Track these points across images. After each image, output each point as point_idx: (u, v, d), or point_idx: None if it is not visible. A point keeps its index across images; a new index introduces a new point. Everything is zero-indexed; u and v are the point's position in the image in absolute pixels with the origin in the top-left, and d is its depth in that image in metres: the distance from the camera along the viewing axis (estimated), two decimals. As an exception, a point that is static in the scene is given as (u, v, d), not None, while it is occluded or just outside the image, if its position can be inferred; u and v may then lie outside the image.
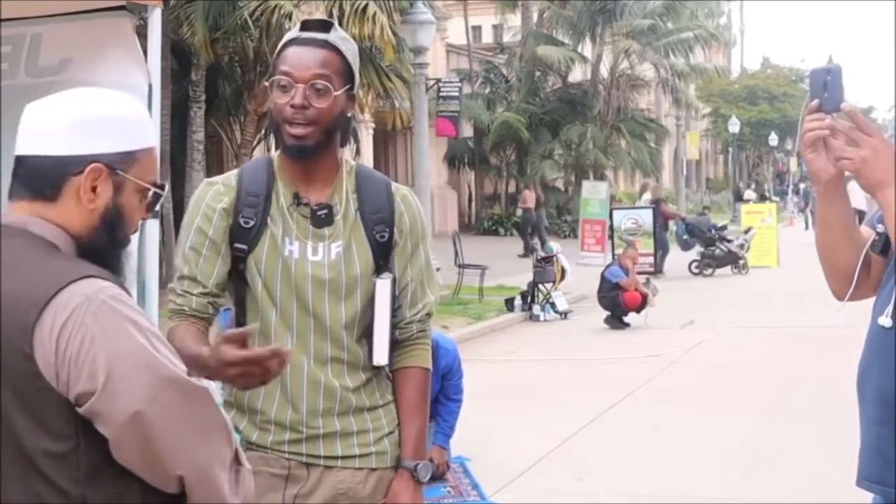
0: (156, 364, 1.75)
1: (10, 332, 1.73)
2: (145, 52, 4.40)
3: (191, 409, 1.78)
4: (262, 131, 18.23)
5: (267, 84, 2.62)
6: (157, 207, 1.99)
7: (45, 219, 1.84)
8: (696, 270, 21.02)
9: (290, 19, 15.45)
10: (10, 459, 1.75)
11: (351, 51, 2.60)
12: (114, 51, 4.33)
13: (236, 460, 1.88)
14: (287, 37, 2.61)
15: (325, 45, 2.55)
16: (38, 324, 1.72)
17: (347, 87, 2.58)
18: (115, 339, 1.73)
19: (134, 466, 1.76)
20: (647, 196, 27.75)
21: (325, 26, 2.59)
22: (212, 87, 17.24)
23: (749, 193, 28.28)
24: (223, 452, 1.83)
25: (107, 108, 1.88)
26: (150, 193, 1.92)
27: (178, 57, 17.00)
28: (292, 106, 2.52)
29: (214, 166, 19.56)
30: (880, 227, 2.47)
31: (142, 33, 4.45)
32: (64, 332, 1.71)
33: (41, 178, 1.85)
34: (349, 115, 2.63)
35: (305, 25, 2.59)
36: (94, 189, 1.85)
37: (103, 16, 4.45)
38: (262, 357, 2.15)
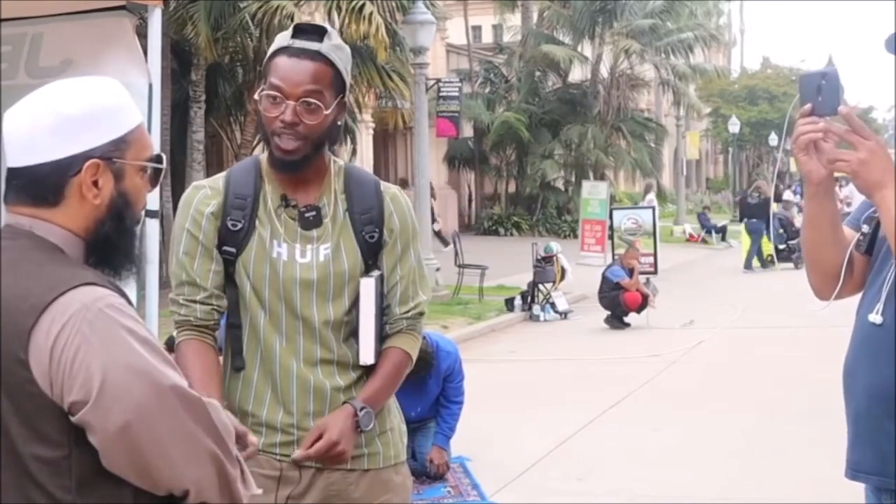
0: (152, 374, 1.73)
1: (7, 337, 1.71)
2: (145, 52, 4.40)
3: (186, 419, 1.75)
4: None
5: (256, 97, 2.59)
6: (158, 191, 1.98)
7: (50, 222, 1.83)
8: (774, 263, 21.15)
9: (292, 20, 15.47)
10: (6, 462, 1.74)
11: (343, 59, 2.57)
12: (114, 51, 4.33)
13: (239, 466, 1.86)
14: (278, 42, 2.57)
15: (318, 56, 2.52)
16: (34, 330, 1.70)
17: (339, 97, 2.57)
18: (110, 348, 1.71)
19: (123, 474, 1.74)
20: (651, 196, 27.72)
21: (318, 32, 2.55)
22: (212, 87, 17.24)
23: (788, 195, 28.06)
24: (218, 458, 1.80)
25: (86, 100, 1.84)
26: (151, 169, 1.91)
27: (178, 57, 17.00)
28: (282, 121, 2.51)
29: (214, 166, 19.54)
30: (865, 228, 2.53)
31: (142, 33, 4.45)
32: (59, 340, 1.69)
33: (40, 186, 1.82)
34: (339, 122, 2.62)
35: (298, 30, 2.56)
36: (95, 184, 1.83)
37: (103, 16, 4.45)
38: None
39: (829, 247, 2.56)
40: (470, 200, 34.12)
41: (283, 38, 2.57)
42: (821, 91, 2.41)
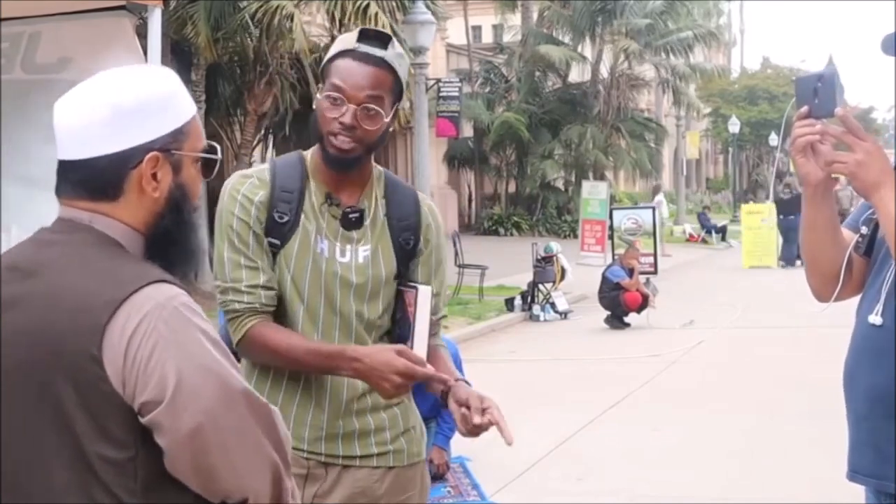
0: (225, 377, 1.70)
1: (79, 332, 1.67)
2: (145, 52, 4.40)
3: (253, 425, 1.73)
4: (262, 131, 18.22)
5: (318, 96, 2.59)
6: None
7: (110, 216, 1.78)
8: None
9: (292, 20, 15.45)
10: (69, 460, 1.70)
11: (403, 67, 2.60)
12: (114, 50, 4.33)
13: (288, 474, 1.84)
14: (342, 45, 2.57)
15: (382, 63, 2.53)
16: (109, 326, 1.66)
17: (395, 105, 2.60)
18: (186, 348, 1.67)
19: (185, 477, 1.71)
20: (660, 197, 27.76)
21: (382, 40, 2.56)
22: (212, 87, 17.22)
23: None
24: (277, 468, 1.78)
25: (145, 90, 1.79)
26: (202, 160, 1.87)
27: (178, 57, 16.97)
28: (341, 123, 2.52)
29: (214, 166, 19.47)
30: (864, 229, 2.54)
31: (142, 33, 4.45)
32: (135, 338, 1.65)
33: (99, 180, 1.77)
34: (390, 129, 2.64)
35: (363, 35, 2.56)
36: (154, 176, 1.79)
37: (103, 16, 4.45)
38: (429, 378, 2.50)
39: (827, 248, 2.56)
40: (470, 200, 34.12)
41: (347, 42, 2.57)
42: (817, 93, 2.42)
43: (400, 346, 2.50)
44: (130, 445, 1.68)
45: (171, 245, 1.83)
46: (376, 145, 2.60)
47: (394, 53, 2.56)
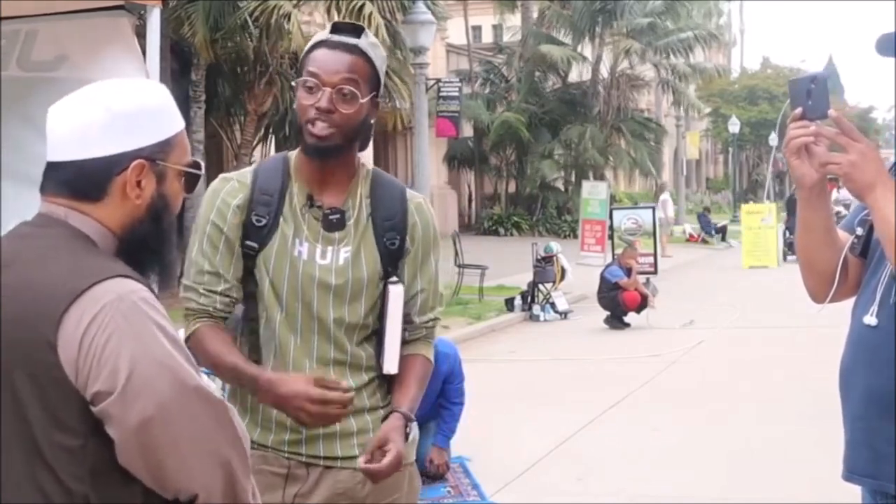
0: (178, 372, 1.72)
1: (38, 320, 1.71)
2: (144, 52, 4.39)
3: (206, 422, 1.74)
4: (262, 131, 18.21)
5: (294, 83, 2.61)
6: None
7: (87, 214, 1.83)
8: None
9: (290, 20, 15.45)
10: (19, 445, 1.74)
11: (379, 57, 2.60)
12: (112, 50, 4.33)
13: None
14: (317, 38, 2.60)
15: (355, 50, 2.54)
16: (66, 315, 1.70)
17: (373, 94, 2.58)
18: (141, 341, 1.70)
19: (135, 470, 1.73)
20: (665, 196, 27.75)
21: (355, 30, 2.58)
22: (212, 87, 17.23)
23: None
24: (230, 467, 1.79)
25: (137, 100, 1.86)
26: (188, 175, 1.92)
27: (178, 57, 16.97)
28: (317, 109, 2.52)
29: (214, 166, 19.51)
30: (860, 230, 2.54)
31: (141, 33, 4.44)
32: (91, 328, 1.69)
33: (84, 181, 1.83)
34: (371, 121, 2.63)
35: (336, 28, 2.58)
36: (139, 183, 1.84)
37: (101, 15, 4.44)
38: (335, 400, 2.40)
39: (823, 249, 2.57)
40: (470, 200, 34.12)
41: (320, 35, 2.60)
42: (810, 95, 2.43)
43: (318, 376, 2.46)
44: (81, 434, 1.71)
45: (144, 252, 1.88)
46: (355, 134, 2.57)
47: (367, 42, 2.56)
